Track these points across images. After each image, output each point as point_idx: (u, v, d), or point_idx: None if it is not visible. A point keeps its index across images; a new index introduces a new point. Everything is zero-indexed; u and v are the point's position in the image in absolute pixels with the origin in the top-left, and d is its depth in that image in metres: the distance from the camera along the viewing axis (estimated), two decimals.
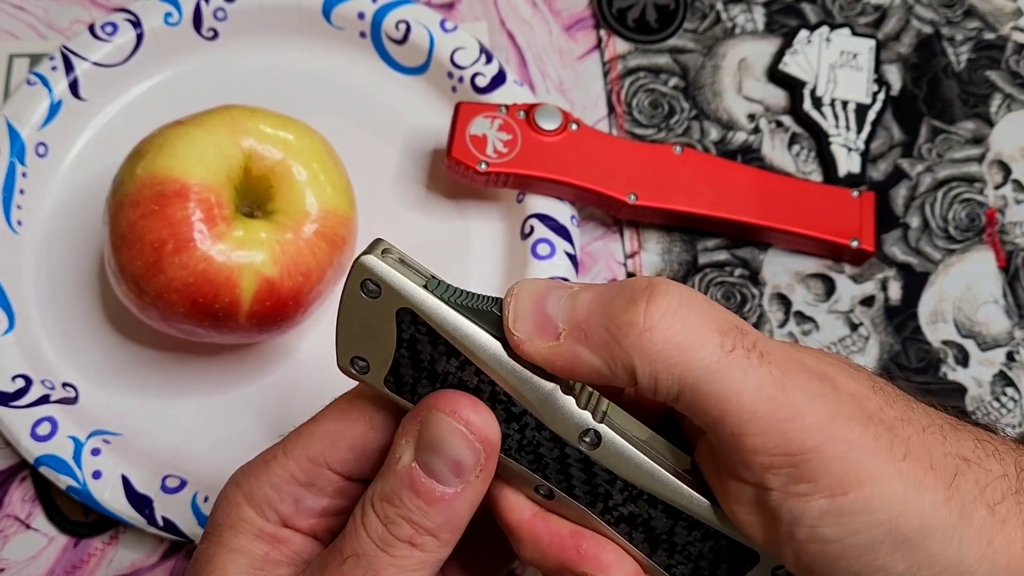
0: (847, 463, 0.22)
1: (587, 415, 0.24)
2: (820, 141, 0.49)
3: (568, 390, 0.24)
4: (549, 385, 0.24)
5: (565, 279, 0.43)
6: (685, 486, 0.25)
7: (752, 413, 0.22)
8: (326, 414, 0.28)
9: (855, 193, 0.47)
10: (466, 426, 0.24)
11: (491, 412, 0.25)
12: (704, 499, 0.25)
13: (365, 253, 0.24)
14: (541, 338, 0.23)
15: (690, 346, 0.22)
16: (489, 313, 0.24)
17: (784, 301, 0.47)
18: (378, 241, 0.25)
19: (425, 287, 0.24)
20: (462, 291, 0.25)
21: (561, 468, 0.25)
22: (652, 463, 0.25)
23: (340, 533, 0.26)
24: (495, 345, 0.24)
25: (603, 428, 0.24)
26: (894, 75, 0.51)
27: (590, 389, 0.25)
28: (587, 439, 0.24)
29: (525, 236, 0.45)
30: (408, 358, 0.25)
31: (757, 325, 0.46)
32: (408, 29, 0.47)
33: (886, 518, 0.22)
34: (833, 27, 0.51)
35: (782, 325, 0.46)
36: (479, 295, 0.25)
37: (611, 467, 0.25)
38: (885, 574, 0.23)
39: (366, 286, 0.24)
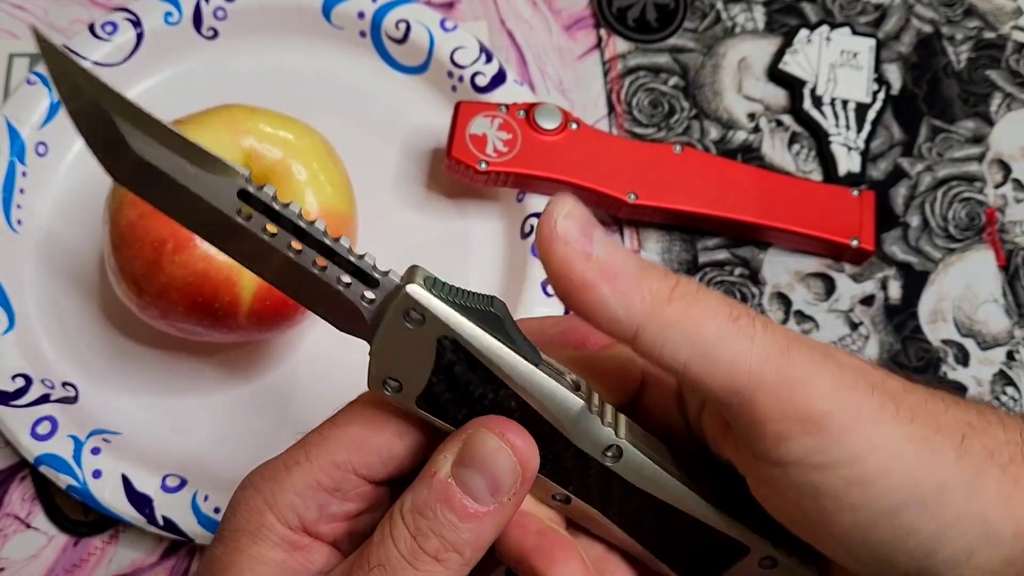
0: (857, 431, 0.23)
1: (610, 431, 0.26)
2: (820, 140, 0.49)
3: (592, 409, 0.26)
4: (579, 404, 0.25)
5: None
6: (693, 492, 0.27)
7: (760, 379, 0.23)
8: (349, 419, 0.27)
9: (855, 192, 0.47)
10: (512, 448, 0.25)
11: (535, 442, 0.25)
12: (708, 503, 0.27)
13: (409, 282, 0.24)
14: (574, 244, 0.23)
15: (701, 316, 0.23)
16: (523, 341, 0.25)
17: (784, 300, 0.47)
18: (415, 268, 0.25)
19: (464, 312, 0.25)
20: (494, 315, 0.25)
21: (581, 479, 0.27)
22: (665, 473, 0.27)
23: (366, 541, 0.26)
24: (534, 372, 0.25)
25: (624, 443, 0.26)
26: (894, 74, 0.51)
27: (609, 407, 0.27)
28: (609, 453, 0.26)
29: (525, 236, 0.45)
30: (444, 381, 0.25)
31: None
32: (408, 28, 0.47)
33: (905, 480, 0.23)
34: (833, 26, 0.51)
35: (782, 324, 0.46)
36: (511, 321, 0.26)
37: (629, 477, 0.26)
38: (915, 537, 0.23)
39: (409, 315, 0.24)
